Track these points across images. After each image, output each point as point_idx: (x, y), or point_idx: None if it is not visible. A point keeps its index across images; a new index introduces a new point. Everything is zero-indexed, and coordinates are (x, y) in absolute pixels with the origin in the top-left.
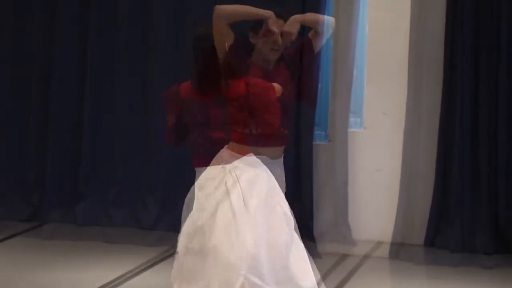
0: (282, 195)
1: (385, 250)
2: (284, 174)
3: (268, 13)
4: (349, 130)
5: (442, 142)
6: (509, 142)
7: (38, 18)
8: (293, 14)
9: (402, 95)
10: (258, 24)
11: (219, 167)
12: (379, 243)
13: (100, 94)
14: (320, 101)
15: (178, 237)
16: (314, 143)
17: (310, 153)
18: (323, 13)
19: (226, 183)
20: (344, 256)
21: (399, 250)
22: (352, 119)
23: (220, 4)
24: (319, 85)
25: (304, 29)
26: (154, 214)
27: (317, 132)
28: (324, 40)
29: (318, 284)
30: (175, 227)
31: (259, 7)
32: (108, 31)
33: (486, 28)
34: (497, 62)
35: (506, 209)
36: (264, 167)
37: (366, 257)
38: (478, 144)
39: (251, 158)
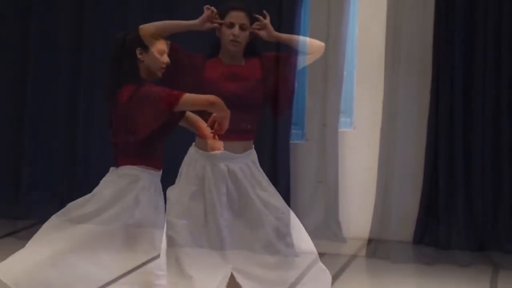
0: None
1: (369, 249)
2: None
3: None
4: (339, 130)
5: (431, 141)
6: (496, 141)
7: (37, 16)
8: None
9: (392, 95)
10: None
11: None
12: (369, 241)
13: (94, 94)
14: (297, 100)
15: None
16: (291, 142)
17: (287, 152)
18: (299, 13)
19: None
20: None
21: (382, 248)
22: (342, 119)
23: (209, 3)
24: (296, 85)
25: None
26: None
27: (294, 131)
28: (301, 61)
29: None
30: None
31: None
32: (104, 31)
33: (473, 27)
34: (484, 62)
35: (494, 206)
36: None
37: (344, 256)
38: (466, 143)
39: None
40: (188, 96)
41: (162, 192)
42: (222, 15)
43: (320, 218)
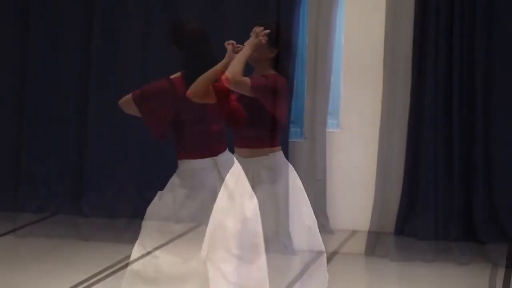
0: None
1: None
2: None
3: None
4: (327, 130)
5: (411, 139)
6: (470, 140)
7: (46, 16)
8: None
9: (375, 98)
10: None
11: None
12: (354, 232)
13: (103, 93)
14: (296, 99)
15: None
16: (290, 140)
17: (285, 150)
18: (298, 14)
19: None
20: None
21: (374, 245)
22: (329, 121)
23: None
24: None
25: None
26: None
27: (293, 129)
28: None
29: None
30: None
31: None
32: (112, 30)
33: (452, 33)
34: (460, 62)
35: (469, 201)
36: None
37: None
38: (443, 140)
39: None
40: None
41: None
42: None
43: None
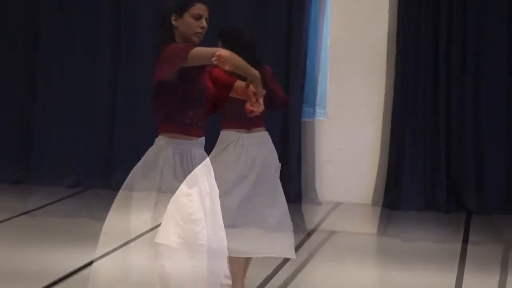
0: None
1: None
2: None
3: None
4: (316, 119)
5: (391, 129)
6: (435, 127)
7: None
8: None
9: (357, 92)
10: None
11: None
12: (338, 204)
13: (131, 84)
14: (308, 79)
15: None
16: (302, 119)
17: (299, 130)
18: (309, 17)
19: None
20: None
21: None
22: (318, 110)
23: None
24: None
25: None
26: None
27: (306, 109)
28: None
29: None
30: None
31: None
32: (130, 25)
33: (428, 33)
34: (436, 56)
35: (433, 176)
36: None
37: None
38: (414, 128)
39: None
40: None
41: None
42: (185, 6)
43: (301, 186)
